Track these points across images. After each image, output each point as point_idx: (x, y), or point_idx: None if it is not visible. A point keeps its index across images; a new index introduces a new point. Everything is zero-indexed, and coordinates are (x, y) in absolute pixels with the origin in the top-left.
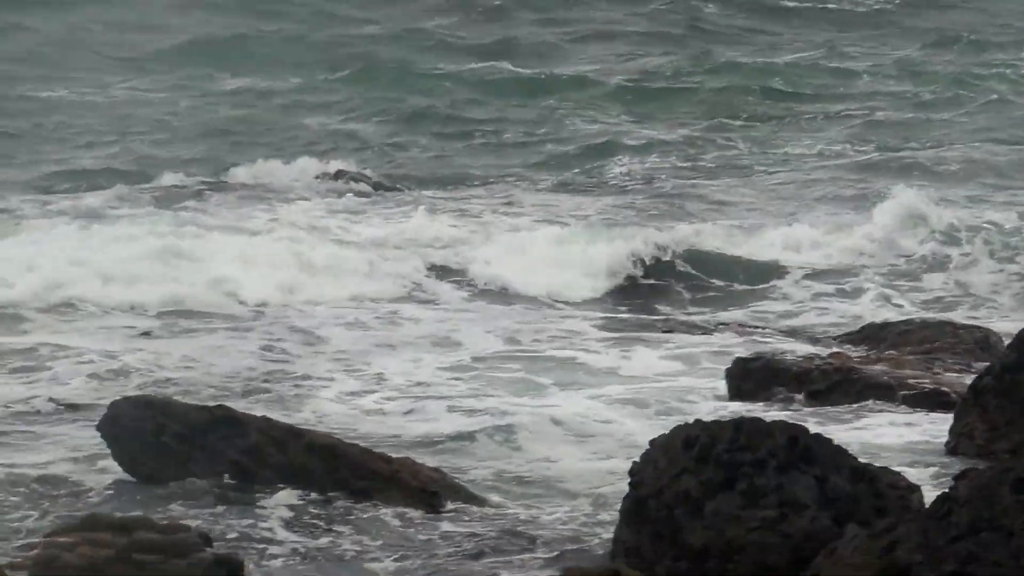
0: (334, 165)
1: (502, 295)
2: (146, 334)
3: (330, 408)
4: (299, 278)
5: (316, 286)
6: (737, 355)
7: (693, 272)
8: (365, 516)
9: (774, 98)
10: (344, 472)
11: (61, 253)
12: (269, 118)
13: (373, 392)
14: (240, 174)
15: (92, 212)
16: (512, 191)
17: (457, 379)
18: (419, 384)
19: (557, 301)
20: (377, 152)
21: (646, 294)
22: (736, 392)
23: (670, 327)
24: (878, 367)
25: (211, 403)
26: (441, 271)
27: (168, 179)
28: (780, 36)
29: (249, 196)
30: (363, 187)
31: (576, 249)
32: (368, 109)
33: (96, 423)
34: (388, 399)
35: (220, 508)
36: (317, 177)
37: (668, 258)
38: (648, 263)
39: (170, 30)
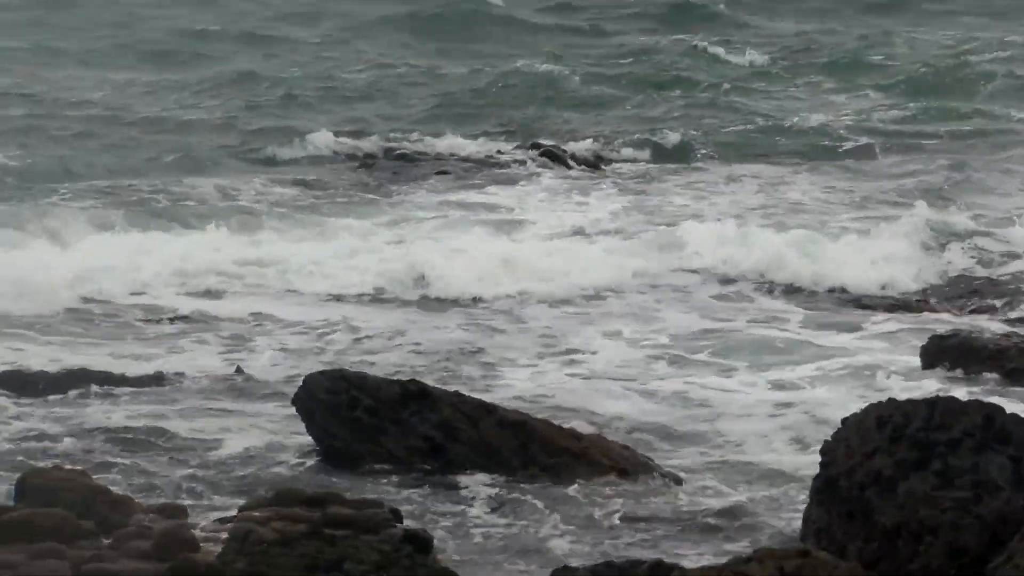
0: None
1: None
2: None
3: (522, 385)
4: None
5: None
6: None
7: None
8: (554, 494)
9: None
10: (534, 448)
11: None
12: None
13: (566, 369)
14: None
15: None
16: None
17: (653, 358)
18: (612, 363)
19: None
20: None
21: None
22: (930, 369)
23: (871, 304)
24: None
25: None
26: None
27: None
28: None
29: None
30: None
31: None
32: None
33: (291, 397)
34: (581, 376)
35: (411, 483)
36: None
37: None
38: None
39: None
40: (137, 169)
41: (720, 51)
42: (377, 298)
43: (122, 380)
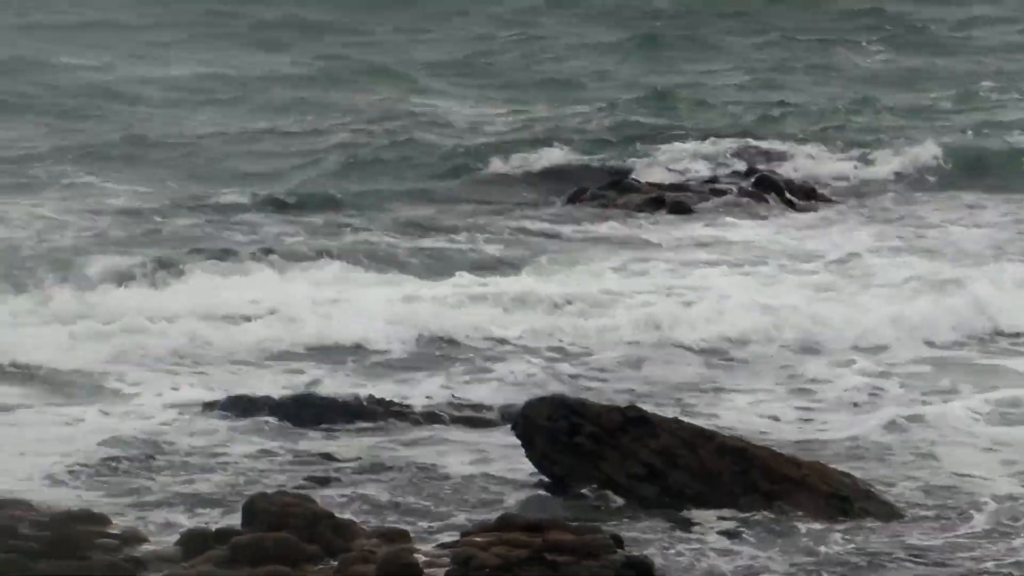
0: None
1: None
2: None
3: (738, 413)
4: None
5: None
6: None
7: None
8: (774, 524)
9: None
10: (754, 475)
11: None
12: None
13: (786, 399)
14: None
15: None
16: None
17: (875, 385)
18: (834, 388)
19: None
20: None
21: None
22: None
23: None
24: None
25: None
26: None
27: None
28: None
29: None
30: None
31: None
32: None
33: (511, 424)
34: (799, 406)
35: (631, 509)
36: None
37: None
38: None
39: None
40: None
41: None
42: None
43: (345, 406)
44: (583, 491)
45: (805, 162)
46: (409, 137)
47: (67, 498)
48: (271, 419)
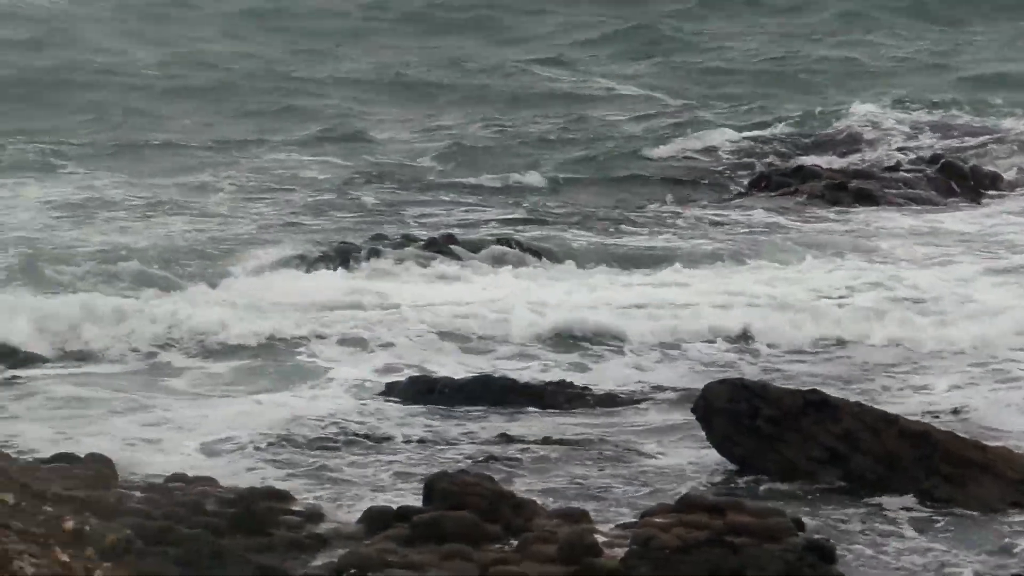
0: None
1: None
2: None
3: (920, 397)
4: None
5: None
6: None
7: None
8: (959, 511)
9: None
10: (936, 459)
11: None
12: None
13: (971, 385)
14: None
15: None
16: None
17: None
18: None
19: None
20: None
21: None
22: None
23: None
24: None
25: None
26: None
27: None
28: None
29: None
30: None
31: None
32: None
33: (690, 406)
34: (986, 390)
35: (812, 493)
36: None
37: None
38: None
39: None
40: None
41: None
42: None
43: (524, 389)
44: (764, 474)
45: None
46: (580, 120)
47: (252, 476)
48: (451, 400)
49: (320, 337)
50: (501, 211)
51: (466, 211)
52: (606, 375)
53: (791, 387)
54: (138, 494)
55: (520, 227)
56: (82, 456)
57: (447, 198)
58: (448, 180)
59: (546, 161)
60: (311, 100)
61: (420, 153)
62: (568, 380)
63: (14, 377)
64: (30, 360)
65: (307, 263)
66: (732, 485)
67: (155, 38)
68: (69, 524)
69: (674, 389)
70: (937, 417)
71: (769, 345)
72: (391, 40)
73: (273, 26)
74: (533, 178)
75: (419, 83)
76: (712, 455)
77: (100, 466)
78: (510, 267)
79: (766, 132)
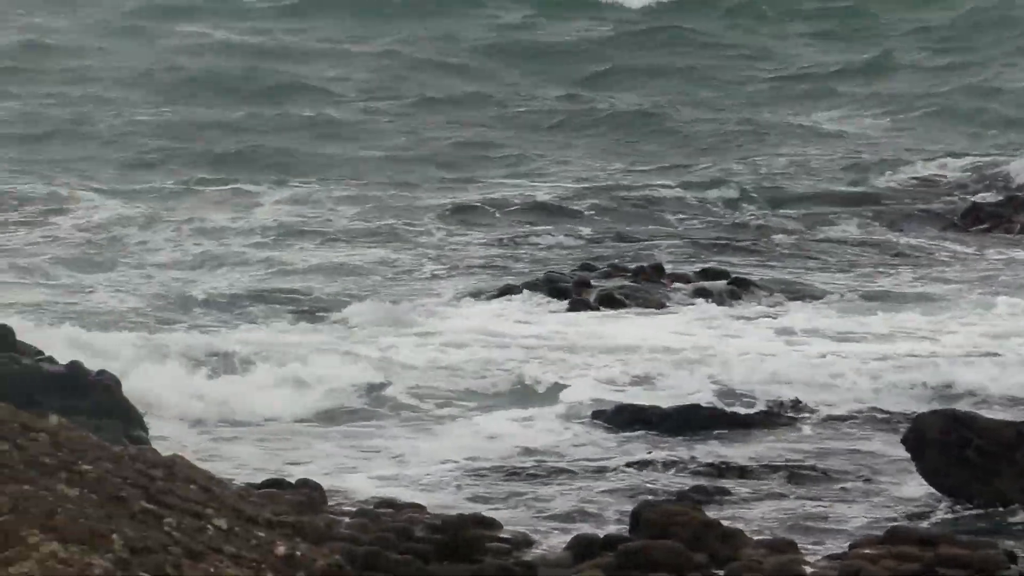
0: None
1: None
2: None
3: None
4: None
5: None
6: None
7: None
8: None
9: None
10: None
11: None
12: None
13: None
14: None
15: None
16: None
17: None
18: None
19: None
20: None
21: None
22: None
23: None
24: None
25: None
26: None
27: None
28: None
29: None
30: None
31: None
32: None
33: (901, 436)
34: None
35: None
36: None
37: None
38: None
39: None
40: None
41: None
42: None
43: (732, 418)
44: (976, 506)
45: None
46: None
47: (460, 502)
48: (659, 428)
49: (525, 362)
50: (707, 236)
51: (671, 237)
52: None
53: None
54: (347, 519)
55: (726, 256)
56: (293, 481)
57: (648, 224)
58: (648, 204)
59: (753, 188)
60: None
61: (623, 176)
62: (776, 409)
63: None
64: None
65: (512, 292)
66: (942, 517)
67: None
68: (280, 549)
69: (886, 418)
70: None
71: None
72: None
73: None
74: (742, 206)
75: (624, 113)
76: (922, 486)
77: (310, 491)
78: (712, 301)
79: (967, 161)
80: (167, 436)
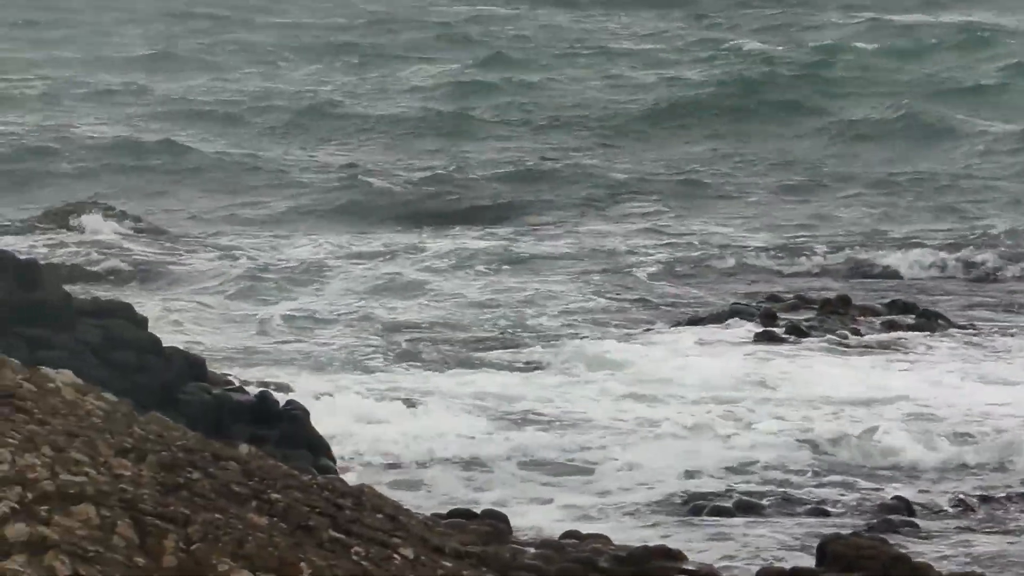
0: None
1: None
2: None
3: None
4: None
5: None
6: None
7: None
8: None
9: None
10: None
11: None
12: None
13: None
14: None
15: None
16: None
17: None
18: None
19: None
20: None
21: None
22: None
23: None
24: None
25: None
26: None
27: None
28: None
29: None
30: None
31: None
32: None
33: None
34: None
35: None
36: None
37: None
38: None
39: None
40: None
41: None
42: None
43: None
44: None
45: None
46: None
47: (644, 533)
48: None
49: (719, 403)
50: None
51: (850, 267)
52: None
53: None
54: (531, 550)
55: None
56: (478, 511)
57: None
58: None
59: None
60: None
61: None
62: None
63: None
64: None
65: (697, 323)
66: None
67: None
68: None
69: None
70: None
71: None
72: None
73: None
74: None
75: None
76: None
77: (495, 522)
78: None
79: None
80: (351, 467)
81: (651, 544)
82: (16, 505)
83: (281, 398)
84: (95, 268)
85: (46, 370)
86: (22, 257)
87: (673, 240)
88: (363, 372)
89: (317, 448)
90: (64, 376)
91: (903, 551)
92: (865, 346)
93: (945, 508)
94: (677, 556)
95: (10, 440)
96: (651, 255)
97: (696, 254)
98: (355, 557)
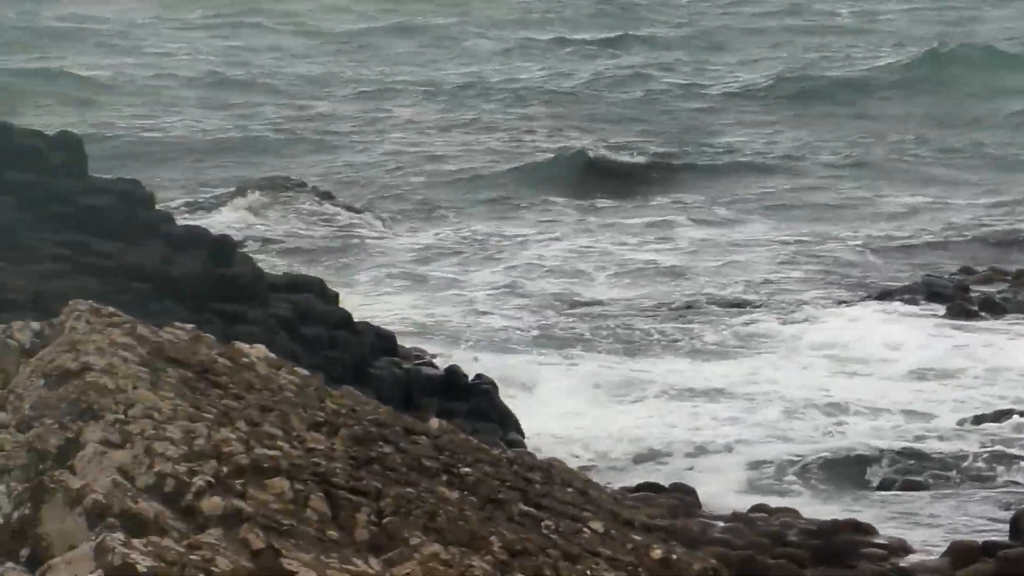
0: None
1: None
2: None
3: None
4: None
5: None
6: None
7: None
8: None
9: None
10: None
11: None
12: None
13: None
14: None
15: None
16: None
17: None
18: None
19: None
20: None
21: None
22: None
23: None
24: None
25: None
26: None
27: None
28: None
29: None
30: None
31: None
32: None
33: None
34: None
35: None
36: None
37: None
38: None
39: None
40: None
41: None
42: None
43: None
44: None
45: None
46: None
47: (833, 507)
48: None
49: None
50: None
51: None
52: None
53: None
54: (721, 524)
55: None
56: (667, 485)
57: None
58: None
59: None
60: None
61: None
62: None
63: None
64: None
65: (892, 299)
66: None
67: None
68: (656, 553)
69: None
70: None
71: None
72: None
73: None
74: None
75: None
76: None
77: (684, 495)
78: None
79: None
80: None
81: (841, 518)
82: (212, 479)
83: (471, 372)
84: (287, 244)
85: (240, 345)
86: (216, 233)
87: (871, 213)
88: (558, 353)
89: (506, 422)
90: (258, 351)
91: None
92: None
93: None
94: (867, 530)
95: (206, 415)
96: (847, 231)
97: (891, 226)
98: (545, 531)
